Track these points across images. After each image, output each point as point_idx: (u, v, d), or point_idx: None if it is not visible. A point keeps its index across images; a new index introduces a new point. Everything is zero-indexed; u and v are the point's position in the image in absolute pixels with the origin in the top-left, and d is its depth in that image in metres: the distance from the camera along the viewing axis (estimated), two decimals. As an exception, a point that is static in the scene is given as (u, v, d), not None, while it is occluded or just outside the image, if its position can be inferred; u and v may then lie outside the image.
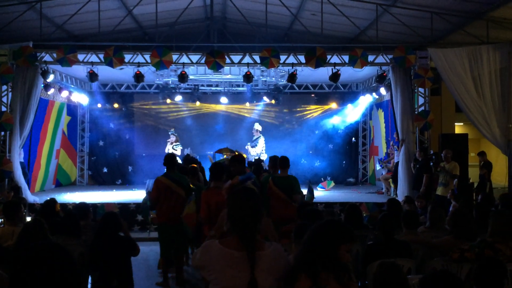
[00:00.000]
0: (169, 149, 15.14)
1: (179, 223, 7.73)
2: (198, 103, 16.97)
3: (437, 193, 11.21)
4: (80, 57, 12.61)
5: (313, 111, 18.15)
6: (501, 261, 3.79)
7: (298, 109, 18.17)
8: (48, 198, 7.38)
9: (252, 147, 15.41)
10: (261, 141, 15.53)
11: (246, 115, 17.88)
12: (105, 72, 13.46)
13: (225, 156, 13.36)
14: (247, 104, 17.21)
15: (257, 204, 3.11)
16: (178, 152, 15.04)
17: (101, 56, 12.47)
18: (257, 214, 3.07)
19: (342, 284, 2.98)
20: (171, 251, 7.90)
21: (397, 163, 13.24)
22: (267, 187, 7.85)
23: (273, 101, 16.45)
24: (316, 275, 2.96)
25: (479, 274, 3.58)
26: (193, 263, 3.17)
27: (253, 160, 11.92)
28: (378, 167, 15.86)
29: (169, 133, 15.60)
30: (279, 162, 8.25)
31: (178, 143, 15.33)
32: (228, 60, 12.59)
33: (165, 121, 17.66)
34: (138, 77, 13.08)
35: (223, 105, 17.32)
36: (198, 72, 14.73)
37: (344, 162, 18.35)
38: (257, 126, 15.79)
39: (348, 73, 13.68)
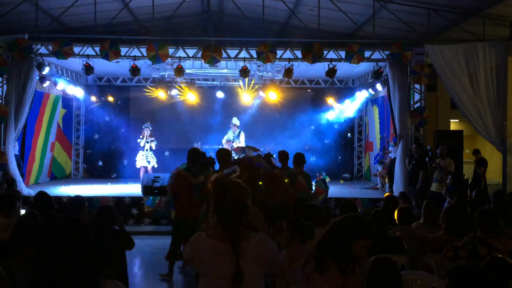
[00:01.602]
0: (144, 144, 14.92)
1: (196, 219, 7.59)
2: (194, 98, 16.89)
3: (432, 189, 11.24)
4: (76, 49, 12.57)
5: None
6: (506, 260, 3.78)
7: (294, 104, 18.14)
8: (38, 191, 7.29)
9: (236, 140, 15.16)
10: (242, 135, 15.32)
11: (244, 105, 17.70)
12: (101, 65, 13.41)
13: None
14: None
15: (241, 196, 3.18)
16: (153, 146, 14.92)
17: (97, 49, 12.43)
18: (241, 207, 3.14)
19: (344, 275, 3.09)
20: (180, 245, 7.86)
21: (394, 159, 13.27)
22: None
23: (269, 98, 16.36)
24: (321, 260, 3.08)
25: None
26: (183, 256, 3.26)
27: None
28: (376, 163, 15.86)
29: (144, 126, 15.19)
30: (294, 159, 8.27)
31: (153, 138, 15.11)
32: (224, 55, 12.58)
33: (161, 114, 17.59)
34: (134, 70, 13.05)
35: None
36: (194, 66, 14.70)
37: (339, 157, 18.38)
38: (235, 121, 15.54)
39: (345, 68, 13.68)
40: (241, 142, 15.05)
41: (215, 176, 5.47)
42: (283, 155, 8.61)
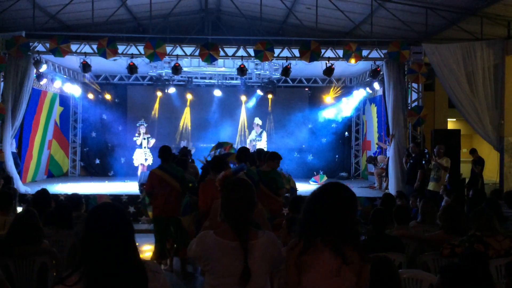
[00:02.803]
0: (141, 141, 14.97)
1: (175, 216, 7.57)
2: (190, 96, 16.89)
3: (429, 188, 11.25)
4: (73, 47, 12.53)
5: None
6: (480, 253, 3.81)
7: (292, 102, 18.15)
8: (40, 189, 7.32)
9: (258, 141, 15.41)
10: (264, 135, 15.59)
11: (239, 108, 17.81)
12: (98, 63, 13.39)
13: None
14: (244, 97, 17.11)
15: (249, 194, 3.18)
16: (151, 144, 14.99)
17: (95, 47, 12.40)
18: (249, 204, 3.15)
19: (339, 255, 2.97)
20: (165, 243, 7.88)
21: (389, 158, 13.29)
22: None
23: (271, 97, 16.35)
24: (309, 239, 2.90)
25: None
26: (188, 254, 3.25)
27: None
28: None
29: (138, 124, 15.24)
30: (268, 156, 8.13)
31: (149, 135, 15.18)
32: (222, 53, 12.55)
33: (158, 112, 17.58)
34: (132, 68, 13.03)
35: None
36: (192, 65, 14.69)
37: (337, 156, 18.39)
38: (258, 121, 15.76)
39: (342, 67, 13.68)
40: (263, 142, 15.19)
41: (223, 174, 5.49)
42: (258, 154, 8.63)
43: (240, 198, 3.14)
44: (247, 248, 3.00)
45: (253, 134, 15.63)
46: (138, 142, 14.98)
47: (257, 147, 14.96)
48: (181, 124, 17.47)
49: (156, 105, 17.20)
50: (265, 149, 14.60)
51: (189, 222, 7.11)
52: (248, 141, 15.64)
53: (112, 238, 2.40)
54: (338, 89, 17.33)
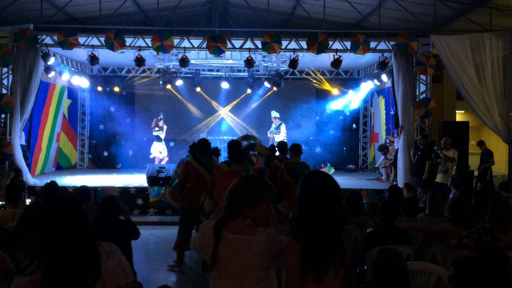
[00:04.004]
0: (156, 130, 15.38)
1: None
2: (198, 89, 16.92)
3: (437, 180, 11.24)
4: (81, 40, 12.56)
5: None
6: (501, 248, 3.81)
7: (299, 94, 18.12)
8: (49, 181, 7.37)
9: (276, 134, 15.54)
10: (283, 127, 15.76)
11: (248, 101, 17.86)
12: (105, 56, 13.41)
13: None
14: (249, 90, 17.14)
15: (256, 189, 3.16)
16: (162, 136, 15.39)
17: (102, 39, 12.42)
18: (254, 199, 3.13)
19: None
20: (189, 235, 7.92)
21: (397, 150, 13.25)
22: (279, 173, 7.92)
23: (274, 88, 16.39)
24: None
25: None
26: (193, 245, 3.26)
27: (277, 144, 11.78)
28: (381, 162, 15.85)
29: (159, 118, 15.69)
30: (292, 149, 8.29)
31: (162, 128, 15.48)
32: (229, 45, 12.54)
33: (166, 105, 17.62)
34: (139, 61, 13.04)
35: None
36: (199, 57, 14.67)
37: (344, 148, 18.36)
38: (275, 114, 15.92)
39: (350, 59, 13.62)
40: (281, 134, 15.33)
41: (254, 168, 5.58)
42: (281, 146, 8.73)
43: (243, 192, 3.15)
44: (219, 238, 3.04)
45: (272, 127, 15.86)
46: (162, 136, 15.28)
47: (276, 139, 15.08)
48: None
49: (164, 98, 17.30)
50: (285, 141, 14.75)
51: (209, 204, 7.23)
52: (268, 133, 15.90)
53: (62, 225, 2.57)
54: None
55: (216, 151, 10.31)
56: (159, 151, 15.32)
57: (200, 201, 7.73)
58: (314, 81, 17.66)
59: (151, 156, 15.50)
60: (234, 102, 17.80)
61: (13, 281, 2.54)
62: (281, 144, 9.20)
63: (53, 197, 2.87)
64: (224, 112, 17.88)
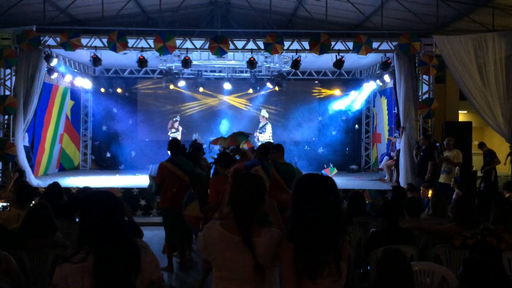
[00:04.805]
0: (172, 132, 15.47)
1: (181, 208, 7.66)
2: (201, 89, 16.93)
3: (440, 180, 11.21)
4: (84, 41, 12.57)
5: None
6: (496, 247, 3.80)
7: (301, 95, 18.12)
8: (51, 182, 7.36)
9: (260, 133, 15.45)
10: (269, 127, 15.63)
11: (249, 103, 17.86)
12: (108, 57, 13.43)
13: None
14: (251, 90, 17.14)
15: (258, 190, 3.10)
16: (178, 137, 15.34)
17: (105, 40, 12.43)
18: (256, 200, 3.07)
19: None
20: (175, 236, 7.92)
21: (399, 150, 13.25)
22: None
23: (276, 88, 16.39)
24: None
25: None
26: (198, 245, 3.22)
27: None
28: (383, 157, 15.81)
29: (174, 119, 15.83)
30: (280, 149, 8.17)
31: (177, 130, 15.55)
32: (231, 46, 12.54)
33: (168, 106, 17.64)
34: (142, 62, 13.05)
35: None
36: (201, 58, 14.69)
37: (347, 149, 18.36)
38: (264, 113, 15.85)
39: (352, 60, 13.63)
40: (266, 134, 15.23)
41: (235, 166, 5.45)
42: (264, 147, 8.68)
43: (247, 193, 3.06)
44: (252, 244, 2.95)
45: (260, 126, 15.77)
46: (178, 137, 15.35)
47: (260, 138, 15.01)
48: None
49: (166, 99, 17.32)
50: (271, 141, 14.72)
51: (195, 208, 7.12)
52: (255, 133, 15.78)
53: (106, 219, 2.77)
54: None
55: (199, 146, 10.26)
56: None
57: (182, 201, 7.67)
58: (315, 91, 17.75)
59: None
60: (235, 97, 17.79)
61: (58, 267, 2.69)
62: (263, 147, 9.04)
63: (91, 193, 2.97)
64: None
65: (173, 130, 15.52)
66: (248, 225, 3.01)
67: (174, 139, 8.36)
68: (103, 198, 2.87)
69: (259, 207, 3.09)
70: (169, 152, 8.13)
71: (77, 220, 2.80)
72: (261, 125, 15.80)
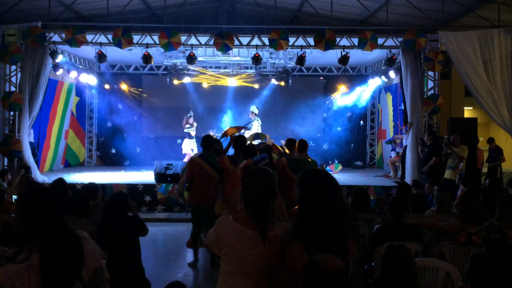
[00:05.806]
0: (187, 127, 15.57)
1: (211, 205, 7.66)
2: (205, 85, 16.93)
3: (445, 176, 11.17)
4: (89, 37, 12.60)
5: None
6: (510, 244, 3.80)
7: (306, 91, 18.08)
8: (57, 178, 7.37)
9: (247, 129, 15.27)
10: (256, 123, 15.37)
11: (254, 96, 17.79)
12: (113, 53, 13.45)
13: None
14: (256, 85, 17.09)
15: (271, 184, 3.13)
16: (193, 133, 15.53)
17: (110, 37, 12.44)
18: (270, 195, 3.10)
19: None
20: (201, 231, 7.95)
21: (405, 146, 13.21)
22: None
23: (282, 83, 16.34)
24: None
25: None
26: (206, 241, 3.21)
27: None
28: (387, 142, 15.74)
29: (188, 115, 15.84)
30: (298, 145, 8.31)
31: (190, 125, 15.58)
32: (236, 42, 12.54)
33: (174, 102, 17.65)
34: (147, 58, 13.06)
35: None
36: (206, 54, 14.67)
37: (352, 145, 18.34)
38: (253, 109, 15.65)
39: (357, 56, 13.58)
40: (253, 131, 15.06)
41: (244, 162, 5.45)
42: (289, 143, 8.73)
43: (261, 187, 3.08)
44: (266, 238, 2.97)
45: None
46: (193, 133, 15.43)
47: (246, 135, 14.85)
48: None
49: (172, 95, 17.32)
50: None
51: (220, 207, 7.21)
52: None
53: (45, 215, 2.79)
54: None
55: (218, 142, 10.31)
56: (191, 148, 15.38)
57: (210, 197, 7.75)
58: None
59: (183, 153, 15.58)
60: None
61: (1, 268, 2.64)
62: (289, 141, 9.16)
63: (27, 191, 3.01)
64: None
65: (188, 125, 15.55)
66: (265, 219, 3.03)
67: (208, 135, 8.45)
68: (37, 194, 2.90)
69: (272, 202, 3.12)
70: (201, 147, 8.20)
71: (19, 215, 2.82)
72: (251, 120, 15.57)
